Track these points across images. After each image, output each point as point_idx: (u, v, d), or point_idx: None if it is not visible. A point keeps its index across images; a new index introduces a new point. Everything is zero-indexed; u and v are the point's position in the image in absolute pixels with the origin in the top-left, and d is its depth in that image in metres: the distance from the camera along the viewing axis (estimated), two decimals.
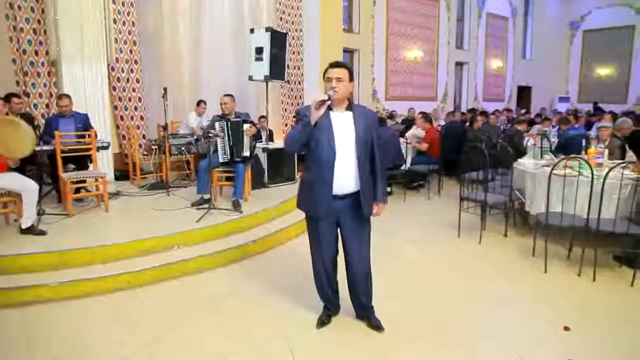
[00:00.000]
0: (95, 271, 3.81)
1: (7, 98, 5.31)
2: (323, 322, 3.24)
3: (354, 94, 12.73)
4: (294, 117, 7.46)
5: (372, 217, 3.05)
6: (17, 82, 6.26)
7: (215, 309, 3.50)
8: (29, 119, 5.43)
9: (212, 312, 3.46)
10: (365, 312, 3.23)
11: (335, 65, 2.87)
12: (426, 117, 7.95)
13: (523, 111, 14.65)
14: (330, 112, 2.86)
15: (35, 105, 6.40)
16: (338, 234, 3.09)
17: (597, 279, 3.95)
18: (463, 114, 10.96)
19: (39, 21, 6.30)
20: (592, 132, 8.21)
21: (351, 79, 2.88)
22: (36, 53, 6.34)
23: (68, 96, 5.48)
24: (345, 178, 2.88)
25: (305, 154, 3.00)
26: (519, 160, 5.64)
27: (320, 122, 2.81)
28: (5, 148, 4.07)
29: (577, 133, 7.21)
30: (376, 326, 3.17)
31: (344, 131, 2.86)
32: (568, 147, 6.64)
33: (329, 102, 2.75)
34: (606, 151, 5.13)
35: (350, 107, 2.92)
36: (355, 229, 3.01)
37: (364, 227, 3.05)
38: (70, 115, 5.41)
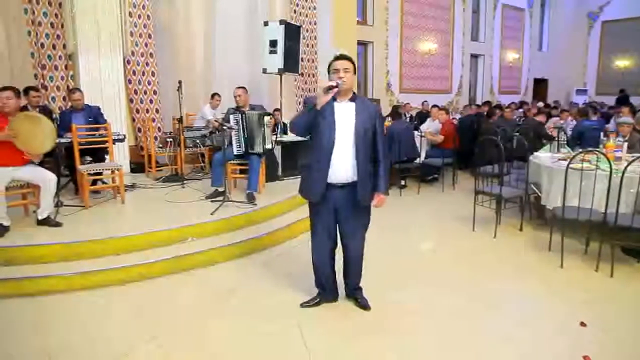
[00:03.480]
0: (108, 263, 3.84)
1: (26, 91, 5.39)
2: (309, 304, 3.36)
3: (367, 86, 12.74)
4: (304, 105, 7.40)
5: (374, 208, 3.13)
6: (35, 75, 6.37)
7: (227, 301, 3.52)
8: (47, 112, 5.52)
9: (225, 303, 3.49)
10: (353, 291, 3.38)
11: (341, 57, 3.00)
12: (444, 109, 7.97)
13: (541, 104, 14.39)
14: (334, 103, 2.97)
15: (52, 98, 6.51)
16: (336, 224, 3.17)
17: (615, 274, 3.89)
18: (478, 106, 10.82)
19: (56, 15, 6.38)
20: (611, 126, 8.05)
21: (355, 71, 3.02)
22: (54, 47, 6.43)
23: (80, 90, 5.53)
24: (342, 167, 2.97)
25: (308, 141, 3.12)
26: (535, 153, 5.57)
27: (324, 111, 2.92)
28: (26, 144, 4.11)
29: (592, 125, 7.07)
30: (363, 305, 3.31)
31: (345, 121, 2.95)
32: (582, 138, 6.54)
33: (337, 89, 2.84)
34: (625, 145, 5.04)
35: (353, 99, 3.02)
36: (352, 216, 3.10)
37: (362, 215, 3.14)
38: (82, 109, 5.45)
